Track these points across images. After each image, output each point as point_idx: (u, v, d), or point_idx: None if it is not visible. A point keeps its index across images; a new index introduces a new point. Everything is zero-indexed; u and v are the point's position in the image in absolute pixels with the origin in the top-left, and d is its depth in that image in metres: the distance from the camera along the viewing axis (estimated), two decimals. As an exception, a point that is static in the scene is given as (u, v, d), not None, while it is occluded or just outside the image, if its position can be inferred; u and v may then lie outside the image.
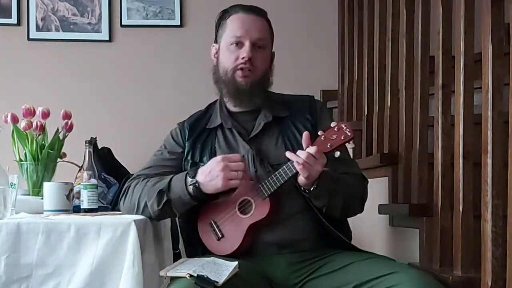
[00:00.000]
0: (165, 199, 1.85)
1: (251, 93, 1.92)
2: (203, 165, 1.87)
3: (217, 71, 1.98)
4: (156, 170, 1.97)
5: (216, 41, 2.00)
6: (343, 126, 1.74)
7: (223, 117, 1.97)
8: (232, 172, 1.78)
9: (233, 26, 1.93)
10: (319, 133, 1.76)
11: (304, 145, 1.75)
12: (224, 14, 1.98)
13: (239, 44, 1.91)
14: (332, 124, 1.76)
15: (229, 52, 1.92)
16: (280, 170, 1.78)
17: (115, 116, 3.42)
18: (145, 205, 1.88)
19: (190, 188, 1.82)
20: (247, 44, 1.89)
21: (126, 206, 1.94)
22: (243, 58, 1.89)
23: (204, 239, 1.89)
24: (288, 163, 1.76)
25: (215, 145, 1.95)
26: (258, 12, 1.96)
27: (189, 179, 1.83)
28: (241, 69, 1.90)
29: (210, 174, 1.80)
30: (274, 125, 1.93)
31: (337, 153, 1.75)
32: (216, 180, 1.78)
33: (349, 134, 1.73)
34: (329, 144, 1.74)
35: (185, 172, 1.87)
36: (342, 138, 1.74)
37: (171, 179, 1.87)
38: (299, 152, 1.73)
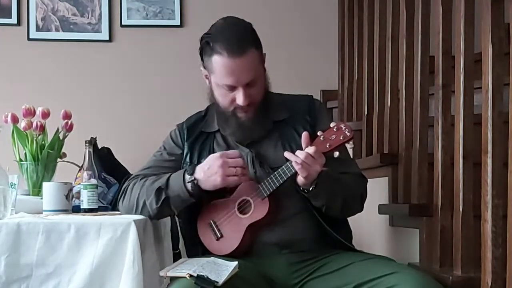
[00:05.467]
0: (163, 196, 1.84)
1: (252, 127, 1.88)
2: (201, 166, 1.88)
3: (212, 97, 1.92)
4: (155, 170, 1.97)
5: (204, 66, 1.88)
6: (342, 126, 1.74)
7: (221, 124, 1.94)
8: (230, 169, 1.77)
9: (219, 72, 1.81)
10: (318, 133, 1.76)
11: (303, 145, 1.75)
12: (207, 46, 1.83)
13: (231, 87, 1.83)
14: (332, 125, 1.75)
15: (223, 92, 1.85)
16: (279, 170, 1.78)
17: (115, 116, 3.42)
18: (144, 203, 1.88)
19: (189, 185, 1.82)
20: (240, 90, 1.81)
21: (125, 206, 1.94)
22: (239, 103, 1.83)
23: (203, 239, 1.89)
24: (287, 163, 1.76)
25: (214, 147, 1.94)
26: (242, 50, 1.78)
27: (187, 176, 1.83)
28: (240, 108, 1.86)
29: (209, 170, 1.80)
30: (273, 128, 1.93)
31: (336, 153, 1.75)
32: (215, 177, 1.78)
33: (348, 134, 1.73)
34: (328, 144, 1.74)
35: (183, 170, 1.87)
36: (341, 138, 1.74)
37: (169, 176, 1.87)
38: (297, 152, 1.73)
